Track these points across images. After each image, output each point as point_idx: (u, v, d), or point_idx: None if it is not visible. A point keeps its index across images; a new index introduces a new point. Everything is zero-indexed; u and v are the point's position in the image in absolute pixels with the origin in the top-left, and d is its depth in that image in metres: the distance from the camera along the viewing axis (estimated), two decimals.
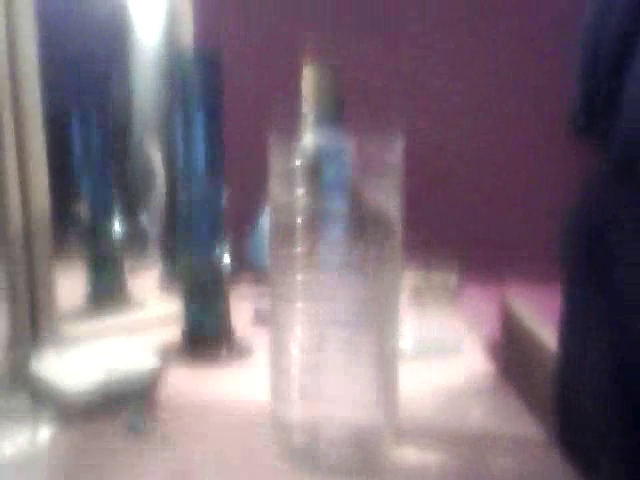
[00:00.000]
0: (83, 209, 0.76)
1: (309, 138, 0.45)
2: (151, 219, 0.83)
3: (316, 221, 0.42)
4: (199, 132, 0.63)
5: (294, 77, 0.64)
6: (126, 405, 0.52)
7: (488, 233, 0.97)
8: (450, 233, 0.92)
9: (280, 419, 0.46)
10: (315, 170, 0.42)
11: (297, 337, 0.44)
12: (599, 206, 0.51)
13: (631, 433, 0.45)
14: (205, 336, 0.66)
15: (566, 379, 0.55)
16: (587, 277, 0.51)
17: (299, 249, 0.43)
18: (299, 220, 0.42)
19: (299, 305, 0.43)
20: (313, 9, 0.95)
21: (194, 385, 0.58)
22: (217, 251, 0.65)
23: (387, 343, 0.44)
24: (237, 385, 0.59)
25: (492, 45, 0.97)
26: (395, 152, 0.43)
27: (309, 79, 0.60)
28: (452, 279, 0.85)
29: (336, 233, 0.42)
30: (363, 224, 0.42)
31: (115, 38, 0.83)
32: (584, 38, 0.51)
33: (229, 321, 0.68)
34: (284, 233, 0.44)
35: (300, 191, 0.42)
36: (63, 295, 0.66)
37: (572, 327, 0.53)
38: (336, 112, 0.62)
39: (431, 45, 0.97)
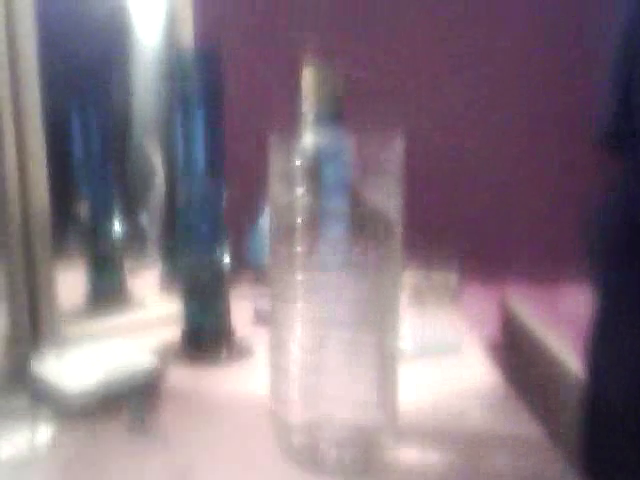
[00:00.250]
0: (83, 209, 0.76)
1: (309, 138, 0.45)
2: (151, 219, 0.83)
3: (316, 221, 0.42)
4: (199, 132, 0.63)
5: (294, 77, 0.64)
6: (126, 405, 0.52)
7: (488, 233, 0.97)
8: (450, 233, 0.92)
9: (280, 419, 0.46)
10: (315, 170, 0.42)
11: (297, 337, 0.44)
12: (634, 206, 0.50)
13: None
14: (205, 336, 0.66)
15: (597, 390, 0.53)
16: (625, 268, 0.50)
17: (299, 249, 0.43)
18: (299, 220, 0.42)
19: (299, 305, 0.43)
20: (313, 9, 0.95)
21: (194, 385, 0.58)
22: (217, 251, 0.65)
23: (387, 343, 0.44)
24: (237, 385, 0.59)
25: (493, 45, 0.97)
26: (395, 152, 0.43)
27: (309, 79, 0.60)
28: (452, 279, 0.85)
29: (336, 233, 0.42)
30: (363, 224, 0.42)
31: (115, 38, 0.83)
32: (620, 43, 0.49)
33: (229, 321, 0.68)
34: (284, 233, 0.44)
35: (300, 191, 0.42)
36: (63, 295, 0.66)
37: (604, 330, 0.52)
38: (336, 112, 0.61)
39: (432, 44, 0.97)
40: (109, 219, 0.78)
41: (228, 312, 0.67)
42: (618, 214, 0.52)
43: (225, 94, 0.64)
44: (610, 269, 0.53)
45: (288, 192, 0.43)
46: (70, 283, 0.71)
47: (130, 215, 0.80)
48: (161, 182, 0.83)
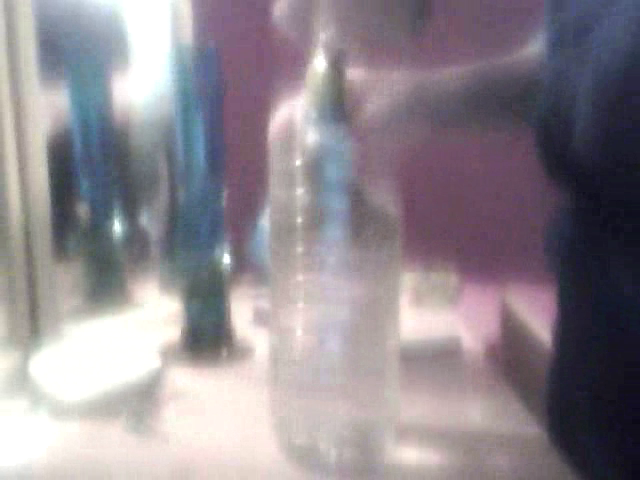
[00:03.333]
0: (83, 209, 0.76)
1: (309, 137, 0.45)
2: (152, 219, 0.84)
3: (316, 221, 0.42)
4: (199, 132, 0.63)
5: (294, 77, 0.64)
6: (126, 405, 0.52)
7: (488, 233, 0.97)
8: (450, 233, 0.92)
9: (280, 418, 0.46)
10: (315, 169, 0.42)
11: (297, 337, 0.44)
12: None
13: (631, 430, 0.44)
14: (205, 336, 0.66)
15: (562, 365, 0.54)
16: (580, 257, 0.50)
17: (299, 249, 0.43)
18: (299, 220, 0.42)
19: (299, 305, 0.43)
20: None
21: (194, 385, 0.58)
22: (217, 251, 0.65)
23: (387, 344, 0.44)
24: (237, 385, 0.59)
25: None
26: (395, 152, 0.43)
27: (311, 78, 0.60)
28: (452, 279, 0.85)
29: (336, 233, 0.42)
30: (363, 224, 0.42)
31: (115, 38, 0.83)
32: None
33: (229, 321, 0.68)
34: (284, 233, 0.44)
35: (300, 191, 0.42)
36: (63, 295, 0.66)
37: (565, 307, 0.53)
38: (338, 112, 0.61)
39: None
40: (109, 219, 0.78)
41: (228, 312, 0.67)
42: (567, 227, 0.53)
43: (225, 94, 0.64)
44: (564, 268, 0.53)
45: (288, 192, 0.43)
46: (70, 283, 0.71)
47: (130, 215, 0.80)
48: (162, 182, 0.83)
